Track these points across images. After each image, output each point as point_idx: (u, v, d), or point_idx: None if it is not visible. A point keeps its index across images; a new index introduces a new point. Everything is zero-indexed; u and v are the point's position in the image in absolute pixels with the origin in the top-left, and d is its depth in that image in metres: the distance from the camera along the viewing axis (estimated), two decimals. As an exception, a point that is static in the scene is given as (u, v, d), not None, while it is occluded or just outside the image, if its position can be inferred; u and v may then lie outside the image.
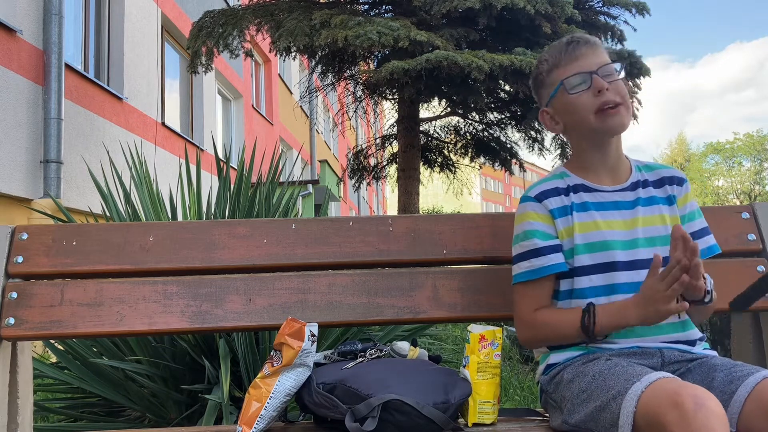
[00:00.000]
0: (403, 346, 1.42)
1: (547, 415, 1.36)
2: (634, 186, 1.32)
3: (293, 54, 6.47)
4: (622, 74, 1.29)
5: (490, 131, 8.69)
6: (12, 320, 1.32)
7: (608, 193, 1.31)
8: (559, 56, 1.29)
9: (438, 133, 9.16)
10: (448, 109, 8.08)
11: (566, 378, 1.23)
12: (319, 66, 7.40)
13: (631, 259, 1.25)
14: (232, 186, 2.68)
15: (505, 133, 8.61)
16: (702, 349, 1.24)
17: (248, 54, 7.04)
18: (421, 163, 8.70)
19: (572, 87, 1.26)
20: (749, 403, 1.02)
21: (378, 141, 8.99)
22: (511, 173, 9.15)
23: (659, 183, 1.34)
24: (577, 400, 1.15)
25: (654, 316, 1.10)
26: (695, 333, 1.24)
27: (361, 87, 8.09)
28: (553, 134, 8.70)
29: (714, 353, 1.22)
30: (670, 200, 1.32)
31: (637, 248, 1.25)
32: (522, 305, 1.30)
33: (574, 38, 1.29)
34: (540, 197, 1.32)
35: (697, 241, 1.31)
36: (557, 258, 1.27)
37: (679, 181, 1.34)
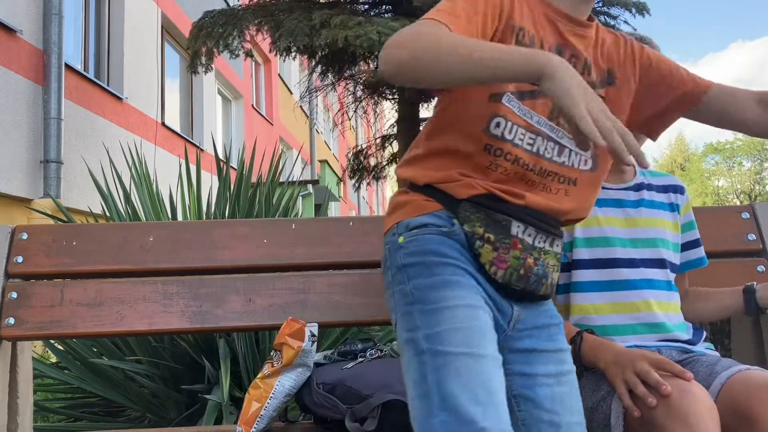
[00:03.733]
0: (403, 346, 1.42)
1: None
2: (638, 187, 1.33)
3: (293, 54, 6.46)
4: None
5: (490, 131, 8.67)
6: (12, 320, 1.31)
7: (612, 191, 1.32)
8: None
9: (438, 133, 9.13)
10: (449, 109, 8.05)
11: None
12: (319, 66, 7.39)
13: (631, 257, 1.25)
14: (232, 186, 2.68)
15: (505, 133, 8.60)
16: (704, 348, 1.24)
17: (248, 54, 7.03)
18: (421, 163, 8.66)
19: None
20: (721, 395, 1.02)
21: (378, 141, 8.98)
22: (511, 173, 9.13)
23: (663, 189, 1.36)
24: None
25: (615, 368, 1.05)
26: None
27: (361, 87, 8.08)
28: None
29: (716, 353, 1.22)
30: (672, 207, 1.34)
31: (636, 247, 1.26)
32: None
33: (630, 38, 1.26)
34: None
35: (692, 250, 1.35)
36: None
37: (681, 190, 1.37)
